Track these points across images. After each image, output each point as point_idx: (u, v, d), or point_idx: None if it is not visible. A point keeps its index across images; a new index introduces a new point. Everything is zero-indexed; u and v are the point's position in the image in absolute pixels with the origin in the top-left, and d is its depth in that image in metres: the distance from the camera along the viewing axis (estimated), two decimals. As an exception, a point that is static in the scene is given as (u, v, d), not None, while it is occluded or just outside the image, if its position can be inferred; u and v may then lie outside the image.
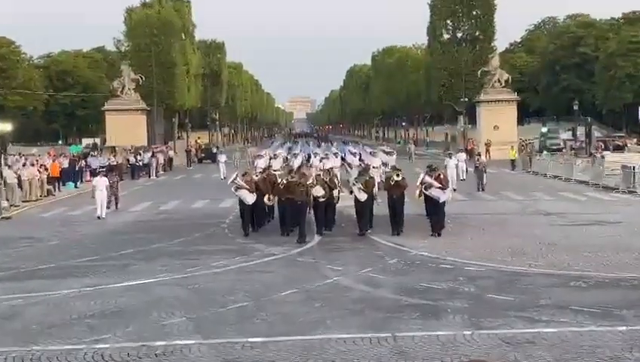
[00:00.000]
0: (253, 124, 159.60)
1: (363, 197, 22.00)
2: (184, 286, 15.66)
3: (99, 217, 27.95)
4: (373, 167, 32.08)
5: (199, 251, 20.16)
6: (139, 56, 72.56)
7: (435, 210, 22.06)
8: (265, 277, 16.45)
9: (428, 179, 22.08)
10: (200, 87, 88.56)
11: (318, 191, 21.83)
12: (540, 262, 17.37)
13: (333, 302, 13.80)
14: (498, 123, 64.93)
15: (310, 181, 22.22)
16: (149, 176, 51.23)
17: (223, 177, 43.45)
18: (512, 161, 50.49)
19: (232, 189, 23.04)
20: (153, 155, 53.24)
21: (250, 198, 22.39)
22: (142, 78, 67.11)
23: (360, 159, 37.73)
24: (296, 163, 35.16)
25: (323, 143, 71.05)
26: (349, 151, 42.37)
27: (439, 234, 21.49)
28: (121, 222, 27.60)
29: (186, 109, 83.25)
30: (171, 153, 63.20)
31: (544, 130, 74.48)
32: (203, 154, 70.34)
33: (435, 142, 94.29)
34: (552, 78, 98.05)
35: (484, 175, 36.26)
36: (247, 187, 22.47)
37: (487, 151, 58.20)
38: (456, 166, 37.97)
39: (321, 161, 34.98)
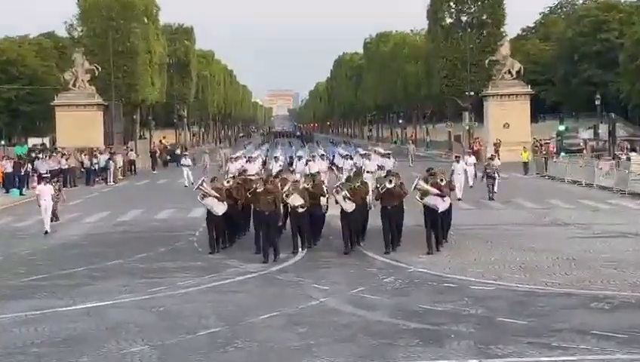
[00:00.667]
0: (226, 121, 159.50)
1: (349, 207, 21.68)
2: (147, 309, 15.61)
3: (46, 232, 27.69)
4: (368, 172, 32.10)
5: (164, 268, 20.11)
6: (94, 43, 72.24)
7: (432, 222, 21.46)
8: (240, 298, 16.43)
9: (423, 184, 21.57)
10: (165, 79, 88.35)
11: (296, 201, 21.59)
12: (557, 280, 17.44)
13: (320, 327, 13.80)
14: (509, 120, 65.07)
15: (286, 188, 22.05)
16: (107, 182, 51.12)
17: (187, 184, 43.50)
18: (525, 164, 50.67)
19: (198, 198, 22.82)
20: (111, 158, 53.09)
21: (219, 208, 22.18)
22: (98, 69, 66.82)
23: (353, 163, 37.46)
24: (276, 167, 35.11)
25: (308, 144, 70.63)
26: (338, 153, 42.12)
27: (438, 249, 21.39)
28: (74, 234, 27.48)
29: (148, 104, 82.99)
30: (133, 155, 62.98)
31: (561, 128, 74.69)
32: (169, 156, 70.66)
33: (436, 142, 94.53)
34: (570, 68, 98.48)
35: (496, 181, 36.06)
36: (216, 195, 22.31)
37: (497, 152, 58.25)
38: (465, 171, 37.54)
39: (306, 165, 35.00)
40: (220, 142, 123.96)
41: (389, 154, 40.24)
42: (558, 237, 24.26)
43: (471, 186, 38.20)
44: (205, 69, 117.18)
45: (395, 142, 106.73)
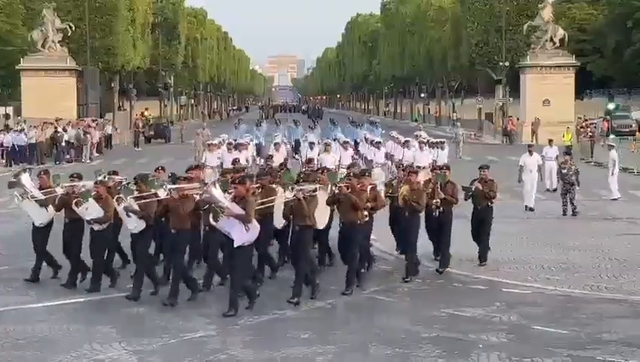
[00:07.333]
0: (220, 92, 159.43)
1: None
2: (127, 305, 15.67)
3: None
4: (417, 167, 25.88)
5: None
6: (67, -2, 72.33)
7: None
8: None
9: (214, 192, 15.10)
10: (149, 42, 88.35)
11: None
12: (604, 284, 17.44)
13: (326, 333, 13.83)
14: (549, 96, 64.97)
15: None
16: (82, 160, 51.28)
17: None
18: (568, 148, 50.53)
19: (16, 200, 18.64)
20: (87, 132, 53.13)
21: (40, 217, 18.19)
22: (71, 28, 66.77)
23: (385, 154, 31.15)
24: (278, 156, 29.70)
25: (318, 121, 63.49)
26: (364, 138, 34.79)
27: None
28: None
29: (129, 71, 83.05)
30: (110, 129, 63.00)
31: (611, 106, 74.63)
32: (152, 132, 71.08)
33: (466, 120, 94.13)
34: (622, 36, 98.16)
35: (576, 188, 28.28)
36: (40, 195, 18.01)
37: (534, 133, 58.28)
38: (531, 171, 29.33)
39: (319, 155, 29.92)
40: (210, 118, 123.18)
41: (440, 142, 31.85)
42: (606, 233, 24.16)
43: (552, 190, 32.71)
44: (196, 30, 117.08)
45: (416, 120, 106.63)
